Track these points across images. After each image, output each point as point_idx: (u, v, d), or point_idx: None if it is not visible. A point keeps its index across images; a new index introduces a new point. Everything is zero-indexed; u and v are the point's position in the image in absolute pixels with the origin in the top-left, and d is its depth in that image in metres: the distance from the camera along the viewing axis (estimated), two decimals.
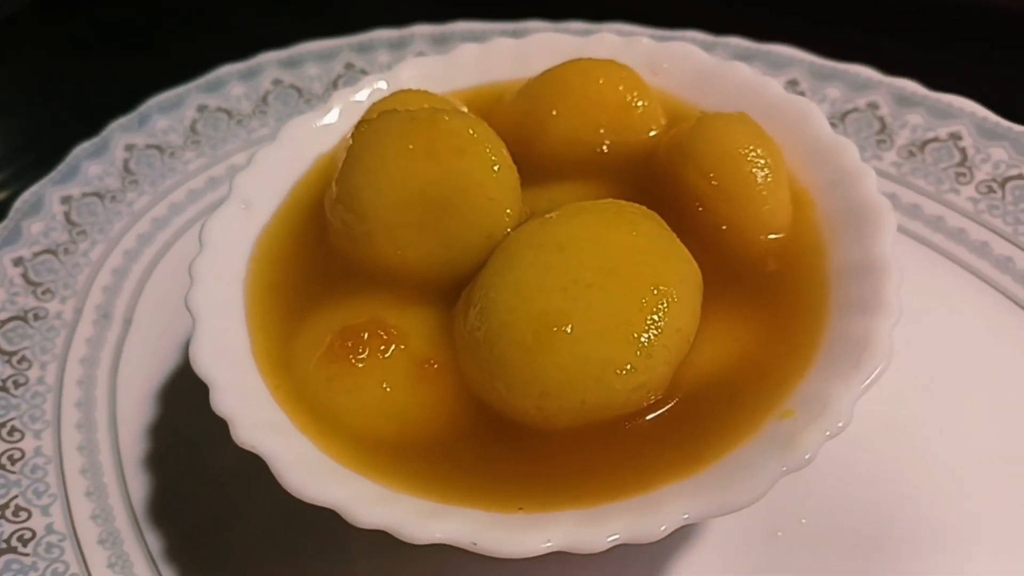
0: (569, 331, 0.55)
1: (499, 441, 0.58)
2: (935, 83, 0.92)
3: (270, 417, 0.58)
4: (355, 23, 1.13)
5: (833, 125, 0.90)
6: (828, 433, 0.51)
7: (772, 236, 0.66)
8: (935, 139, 0.88)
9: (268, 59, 1.10)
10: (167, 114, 1.05)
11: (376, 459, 0.58)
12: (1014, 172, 0.84)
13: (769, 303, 0.62)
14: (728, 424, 0.55)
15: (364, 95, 0.81)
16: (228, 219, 0.70)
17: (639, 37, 0.81)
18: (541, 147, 0.75)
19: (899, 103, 0.91)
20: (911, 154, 0.88)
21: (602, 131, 0.74)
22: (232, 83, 1.08)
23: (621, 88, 0.74)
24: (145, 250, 0.93)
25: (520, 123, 0.77)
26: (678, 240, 0.60)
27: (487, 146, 0.65)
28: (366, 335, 0.61)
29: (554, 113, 0.75)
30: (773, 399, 0.56)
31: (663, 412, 0.57)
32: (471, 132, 0.65)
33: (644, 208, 0.63)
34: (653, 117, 0.75)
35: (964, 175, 0.85)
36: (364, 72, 1.09)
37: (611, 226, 0.60)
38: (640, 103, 0.74)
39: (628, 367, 0.54)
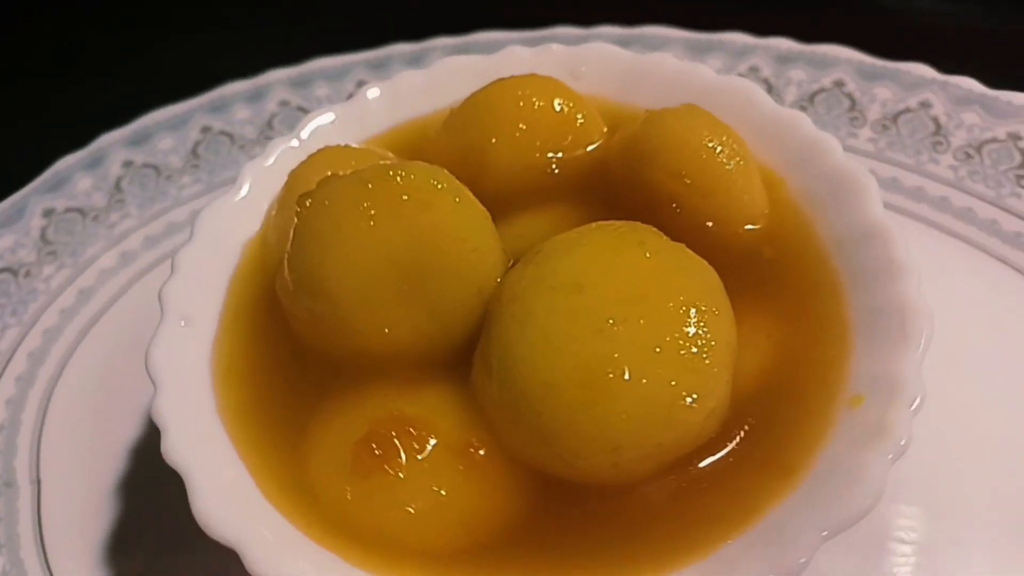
0: (622, 375, 0.50)
1: (574, 507, 0.53)
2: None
3: (319, 562, 0.50)
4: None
5: (802, 107, 0.92)
6: (913, 409, 0.50)
7: (755, 224, 0.65)
8: (906, 110, 0.89)
9: (198, 104, 1.02)
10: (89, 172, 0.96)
11: (455, 570, 0.51)
12: (988, 136, 0.85)
13: (781, 290, 0.61)
14: (802, 426, 0.53)
15: (273, 160, 0.72)
16: (172, 342, 0.59)
17: (548, 45, 0.78)
18: (488, 180, 0.70)
19: (864, 77, 0.92)
20: (885, 128, 0.89)
21: (547, 151, 0.70)
22: (160, 134, 1.00)
23: (555, 102, 0.70)
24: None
25: (459, 159, 0.71)
26: (688, 249, 0.58)
27: (454, 194, 0.60)
28: (394, 436, 0.54)
29: (493, 141, 0.70)
30: (833, 387, 0.55)
31: (731, 435, 0.54)
32: (433, 182, 0.59)
33: (638, 224, 0.59)
34: (595, 126, 0.72)
35: (941, 144, 0.86)
36: (302, 110, 1.02)
37: (620, 252, 0.56)
38: (579, 116, 0.71)
39: (695, 395, 0.51)
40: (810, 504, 0.49)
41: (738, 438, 0.54)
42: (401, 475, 0.53)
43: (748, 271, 0.63)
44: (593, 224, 0.60)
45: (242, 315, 0.64)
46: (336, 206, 0.58)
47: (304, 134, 0.73)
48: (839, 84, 0.92)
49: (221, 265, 0.66)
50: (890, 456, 0.48)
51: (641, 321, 0.52)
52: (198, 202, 0.96)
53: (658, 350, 0.51)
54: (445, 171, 0.60)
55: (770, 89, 0.93)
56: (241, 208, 0.68)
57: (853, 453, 0.50)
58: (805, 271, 0.62)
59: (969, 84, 0.89)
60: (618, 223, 0.59)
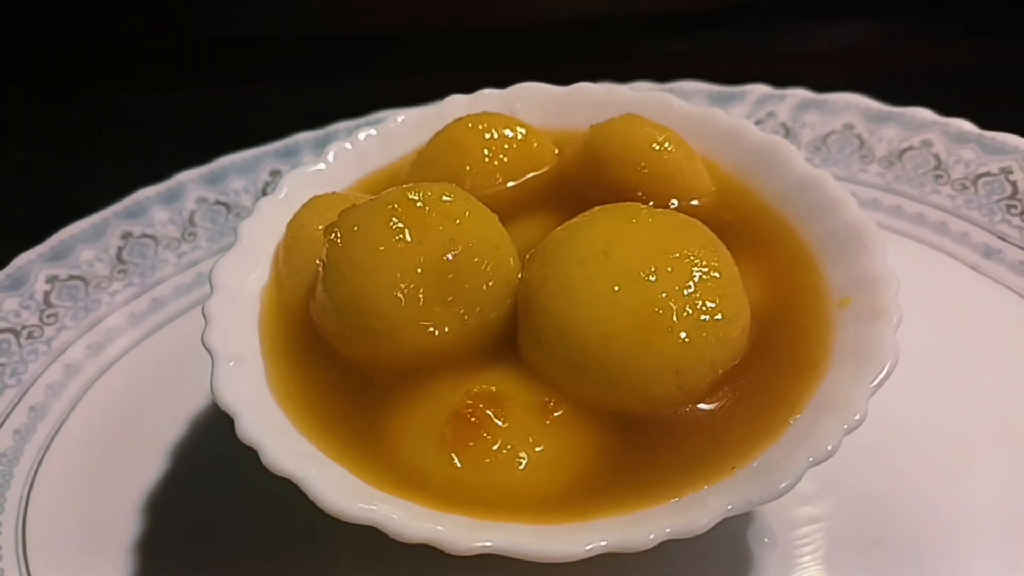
0: (670, 311, 0.59)
1: (654, 432, 0.60)
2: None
3: (457, 523, 0.53)
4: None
5: (816, 149, 1.06)
6: (895, 293, 0.62)
7: (707, 196, 0.77)
8: (910, 148, 1.03)
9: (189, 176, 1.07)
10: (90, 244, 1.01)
11: (574, 501, 0.56)
12: (983, 170, 1.00)
13: (748, 241, 0.72)
14: (810, 330, 0.64)
15: (264, 215, 0.74)
16: (232, 379, 0.60)
17: (482, 91, 0.87)
18: None
19: (871, 120, 1.06)
20: (891, 164, 1.03)
21: (513, 174, 0.79)
22: (153, 207, 1.05)
23: (512, 132, 0.80)
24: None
25: None
26: (677, 212, 0.68)
27: (469, 202, 0.67)
28: (480, 408, 0.58)
29: (468, 169, 0.78)
30: (819, 297, 0.66)
31: (758, 348, 0.64)
32: (448, 195, 0.66)
33: (630, 202, 0.69)
34: (548, 149, 0.82)
35: (941, 176, 1.01)
36: (221, 204, 1.07)
37: (628, 222, 0.65)
38: (534, 141, 0.81)
39: (731, 316, 0.60)
40: (845, 377, 0.59)
41: (762, 349, 0.63)
42: (500, 439, 0.57)
43: (717, 232, 0.74)
44: (592, 210, 0.69)
45: (282, 351, 0.65)
46: (367, 230, 0.63)
47: (283, 189, 0.77)
48: (848, 127, 1.08)
49: (246, 311, 0.67)
50: (892, 326, 0.60)
51: (669, 269, 0.61)
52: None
53: (692, 286, 0.60)
54: (454, 184, 0.68)
55: (787, 133, 1.08)
56: (246, 259, 0.70)
57: (861, 334, 0.61)
58: (760, 222, 0.74)
59: (959, 124, 1.03)
60: (614, 204, 0.69)
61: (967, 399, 0.80)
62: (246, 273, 0.70)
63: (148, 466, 0.82)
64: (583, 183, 0.78)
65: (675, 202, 0.75)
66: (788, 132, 1.08)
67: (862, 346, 0.60)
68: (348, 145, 0.82)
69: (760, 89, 1.12)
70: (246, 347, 0.64)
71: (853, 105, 1.09)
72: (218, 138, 1.12)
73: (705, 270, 0.62)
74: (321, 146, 1.11)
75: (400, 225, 0.63)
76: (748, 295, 0.66)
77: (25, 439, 0.83)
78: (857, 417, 0.55)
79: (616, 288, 0.60)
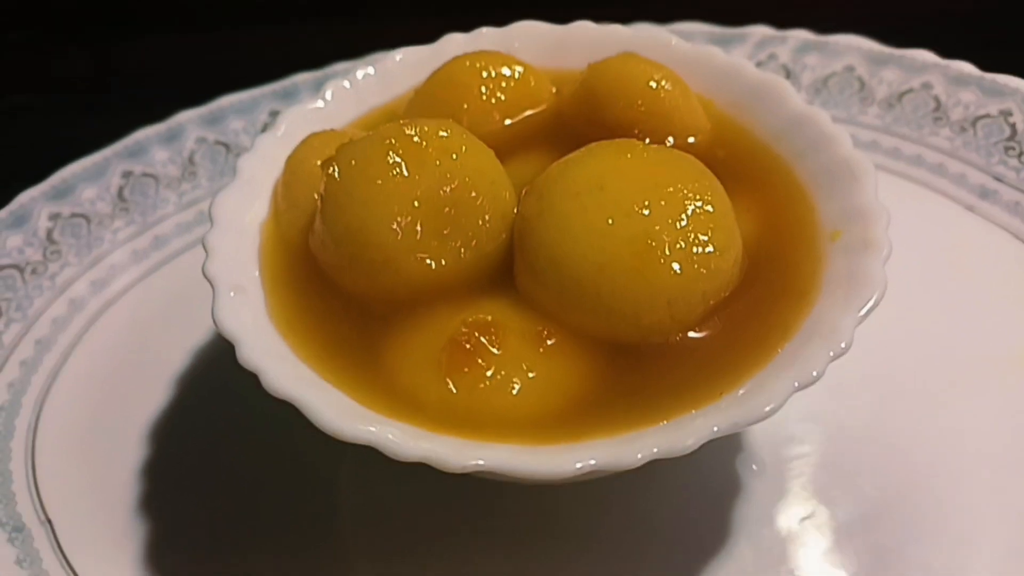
0: (663, 241, 0.60)
1: (645, 359, 0.61)
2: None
3: (454, 444, 0.55)
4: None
5: (816, 91, 1.06)
6: (885, 226, 0.63)
7: (702, 133, 0.78)
8: (909, 90, 1.03)
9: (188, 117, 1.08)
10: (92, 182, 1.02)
11: (567, 423, 0.58)
12: (982, 112, 0.99)
13: (741, 177, 0.72)
14: (801, 261, 0.65)
15: (263, 151, 0.74)
16: (232, 308, 0.62)
17: (480, 29, 0.87)
18: None
19: (872, 62, 1.06)
20: (890, 106, 1.03)
21: (510, 112, 0.79)
22: (153, 148, 1.05)
23: (510, 70, 0.80)
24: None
25: None
26: (672, 148, 0.69)
27: (466, 138, 0.67)
28: (477, 335, 0.60)
29: (465, 107, 0.78)
30: (810, 229, 0.67)
31: (750, 279, 0.65)
32: (444, 130, 0.67)
33: (626, 139, 0.70)
34: (545, 87, 0.82)
35: (940, 119, 1.01)
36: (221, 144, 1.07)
37: (622, 157, 0.65)
38: (531, 79, 0.81)
39: (723, 247, 0.61)
40: (834, 306, 0.60)
41: (753, 279, 0.65)
42: (494, 365, 0.59)
43: (711, 168, 0.75)
44: (588, 146, 0.70)
45: (281, 282, 0.67)
46: (364, 164, 0.64)
47: (281, 128, 0.77)
48: (849, 69, 1.07)
49: (246, 244, 0.68)
50: (881, 259, 0.61)
51: (663, 203, 0.62)
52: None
53: (684, 219, 0.61)
54: (450, 120, 0.68)
55: (788, 75, 1.08)
56: (246, 193, 0.71)
57: (850, 264, 0.62)
58: (754, 158, 0.75)
59: (959, 66, 1.03)
60: (608, 140, 0.70)
61: (956, 335, 0.82)
62: (246, 207, 0.71)
63: (153, 395, 0.84)
64: (580, 121, 0.79)
65: (671, 139, 0.76)
66: (789, 74, 1.08)
67: (851, 276, 0.61)
68: (346, 83, 0.82)
69: (761, 31, 1.12)
70: (247, 278, 0.65)
71: (854, 47, 1.09)
72: (218, 82, 1.12)
73: (698, 203, 0.62)
74: (320, 87, 1.11)
75: (397, 159, 0.64)
76: (741, 229, 0.67)
77: (32, 370, 0.85)
78: (843, 344, 0.56)
79: (610, 221, 0.61)
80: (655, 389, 0.59)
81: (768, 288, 0.64)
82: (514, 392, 0.58)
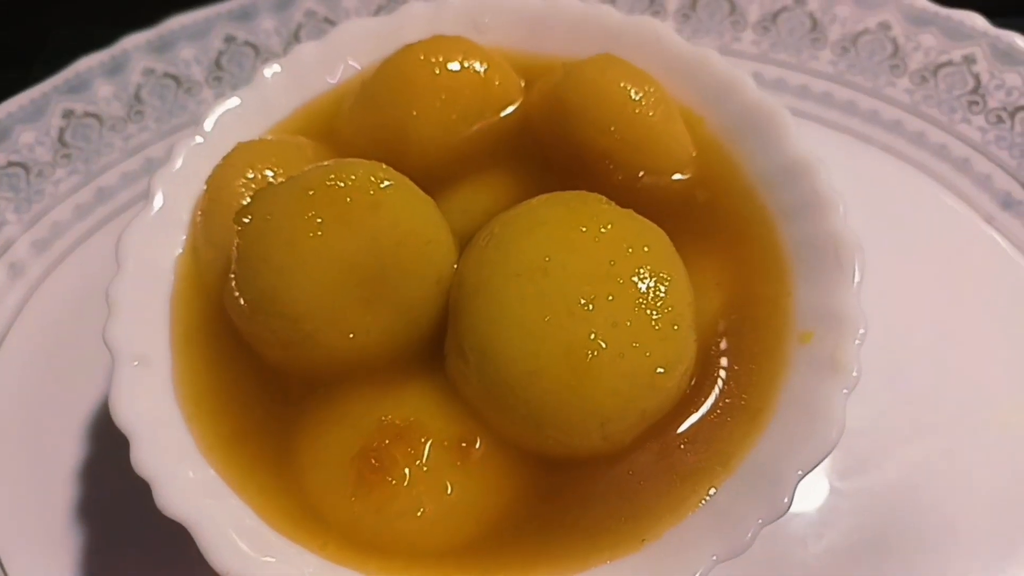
0: (604, 353, 0.53)
1: (568, 482, 0.57)
2: None
3: None
4: None
5: (765, 28, 0.93)
6: (858, 343, 0.56)
7: (684, 172, 0.67)
8: (865, 31, 0.92)
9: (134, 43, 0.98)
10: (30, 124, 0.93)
11: (476, 555, 0.54)
12: (944, 59, 0.89)
13: (718, 231, 0.65)
14: (760, 367, 0.58)
15: (181, 163, 0.67)
16: (133, 387, 0.57)
17: None
18: (414, 155, 0.68)
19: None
20: (844, 50, 0.91)
21: (469, 117, 0.69)
22: (97, 82, 0.96)
23: (470, 66, 0.69)
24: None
25: (379, 136, 0.69)
26: (636, 215, 0.60)
27: (400, 189, 0.59)
28: (388, 445, 0.55)
29: (414, 114, 0.68)
30: (781, 324, 0.59)
31: (699, 387, 0.59)
32: (374, 179, 0.58)
33: (585, 194, 0.61)
34: (513, 85, 0.71)
35: (898, 67, 0.89)
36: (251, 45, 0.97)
37: (575, 229, 0.57)
38: (496, 78, 0.69)
39: (669, 362, 0.55)
40: (781, 444, 0.54)
41: (705, 388, 0.58)
42: (404, 483, 0.54)
43: (685, 216, 0.65)
44: (541, 197, 0.61)
45: (194, 341, 0.61)
46: (281, 220, 0.56)
47: (207, 127, 0.68)
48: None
49: (157, 291, 0.62)
50: (845, 391, 0.54)
51: (610, 298, 0.54)
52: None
53: (630, 325, 0.54)
54: (384, 165, 0.59)
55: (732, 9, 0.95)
56: (161, 223, 0.64)
57: (811, 389, 0.55)
58: (737, 210, 0.65)
59: (924, 2, 0.93)
60: (565, 194, 0.60)
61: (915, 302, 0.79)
62: (159, 241, 0.64)
63: (100, 372, 0.81)
64: (548, 136, 0.69)
65: (642, 174, 0.66)
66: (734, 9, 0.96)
67: (810, 407, 0.55)
68: (280, 68, 0.72)
69: None
70: (153, 343, 0.60)
71: None
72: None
73: (655, 302, 0.55)
74: (281, 8, 0.99)
75: (316, 216, 0.56)
76: (704, 307, 0.60)
77: None
78: (781, 503, 0.51)
79: (548, 319, 0.54)
80: (576, 521, 0.55)
81: (717, 403, 0.57)
82: (423, 517, 0.54)
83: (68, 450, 0.77)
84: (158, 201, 0.64)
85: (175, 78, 0.95)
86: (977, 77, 0.89)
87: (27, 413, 0.79)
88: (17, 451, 0.77)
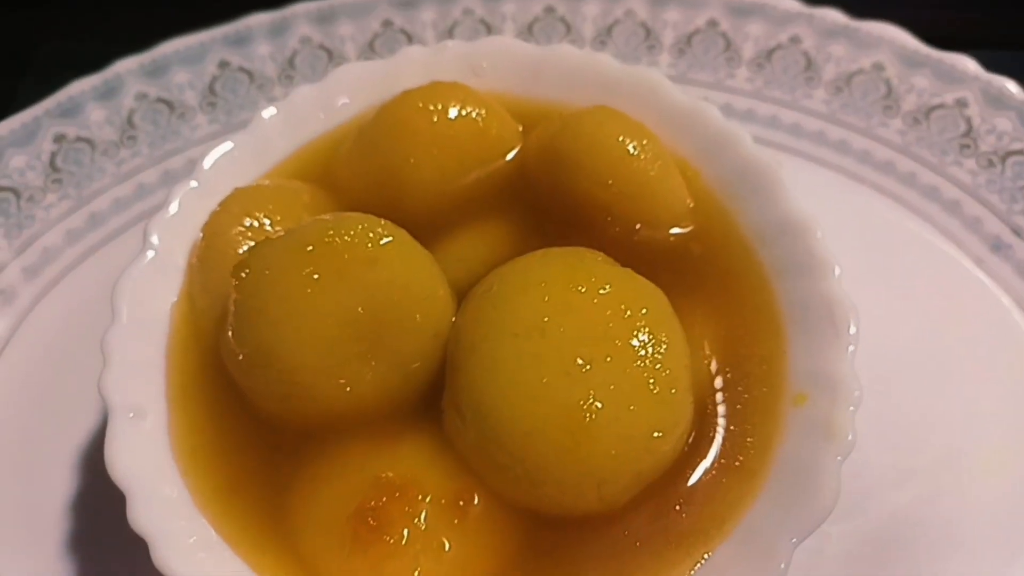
0: (601, 415, 0.53)
1: (564, 540, 0.57)
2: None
3: None
4: None
5: (759, 66, 0.94)
6: (852, 409, 0.56)
7: (682, 225, 0.68)
8: (859, 71, 0.92)
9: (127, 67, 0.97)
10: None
11: None
12: (936, 101, 0.90)
13: (714, 287, 0.65)
14: (755, 428, 0.59)
15: (177, 208, 0.67)
16: (128, 441, 0.57)
17: (445, 43, 0.74)
18: (410, 202, 0.69)
19: (823, 35, 0.94)
20: (838, 89, 0.92)
21: (466, 165, 0.69)
22: (89, 106, 0.95)
23: (468, 113, 0.69)
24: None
25: (375, 181, 0.69)
26: (633, 272, 0.60)
27: (398, 245, 0.59)
28: (384, 503, 0.55)
29: (412, 161, 0.68)
30: (777, 385, 0.60)
31: (695, 447, 0.59)
32: (373, 235, 0.58)
33: (583, 251, 0.61)
34: (511, 132, 0.71)
35: (891, 108, 0.90)
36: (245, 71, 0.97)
37: (574, 288, 0.57)
38: (494, 125, 0.70)
39: (667, 425, 0.55)
40: (776, 506, 0.55)
41: (700, 448, 0.59)
42: (402, 542, 0.55)
43: (681, 269, 0.66)
44: (538, 253, 0.61)
45: (189, 391, 0.61)
46: (278, 275, 0.57)
47: (204, 171, 0.68)
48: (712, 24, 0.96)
49: (153, 339, 0.62)
50: (839, 458, 0.54)
51: (608, 359, 0.55)
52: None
53: (628, 387, 0.54)
54: (383, 221, 0.59)
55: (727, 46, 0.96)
56: (156, 270, 0.64)
57: (806, 454, 0.56)
58: (733, 265, 0.66)
59: (916, 44, 0.93)
60: (563, 251, 0.61)
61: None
62: (154, 288, 0.64)
63: (91, 404, 0.80)
64: (545, 186, 0.69)
65: (639, 226, 0.66)
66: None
67: (804, 471, 0.55)
68: (276, 110, 0.71)
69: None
70: (149, 394, 0.60)
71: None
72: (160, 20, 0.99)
73: (653, 364, 0.55)
74: (277, 33, 0.98)
75: (313, 271, 0.56)
76: (699, 363, 0.61)
77: None
78: (782, 567, 0.52)
79: (545, 380, 0.54)
80: (579, 570, 0.56)
81: (713, 464, 0.58)
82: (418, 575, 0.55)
83: (57, 482, 0.76)
84: (153, 248, 0.64)
85: (168, 103, 0.94)
86: (969, 120, 0.90)
87: (15, 443, 0.78)
88: (4, 481, 0.77)
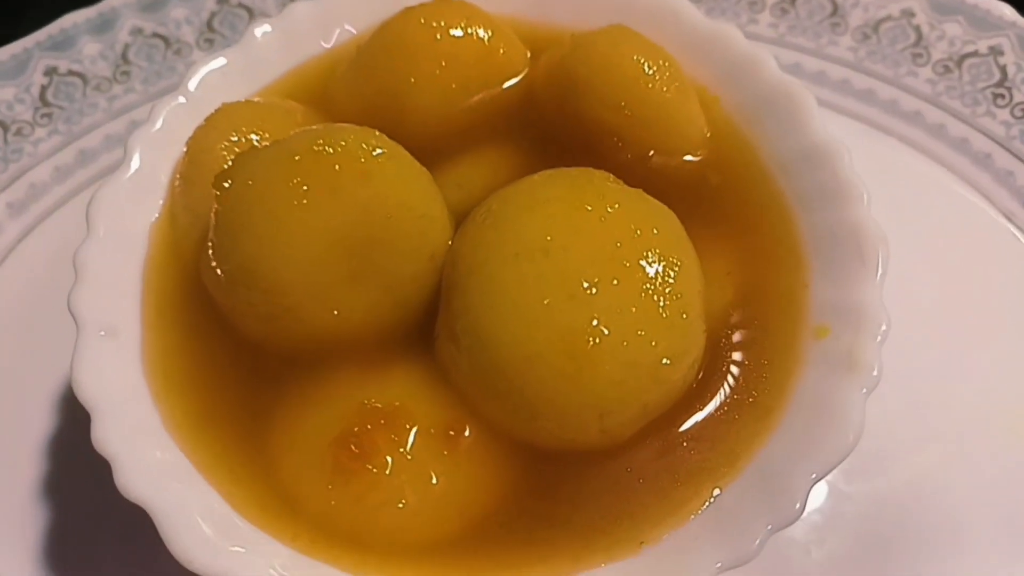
0: (606, 340, 0.49)
1: (562, 476, 0.53)
2: None
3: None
4: None
5: (783, 11, 0.89)
6: (878, 339, 0.52)
7: (696, 153, 0.63)
8: (888, 18, 0.88)
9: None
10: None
11: (459, 552, 0.50)
12: (970, 49, 0.85)
13: (732, 218, 0.61)
14: (772, 362, 0.54)
15: (161, 124, 0.63)
16: (98, 360, 0.53)
17: None
18: (411, 125, 0.64)
19: None
20: (865, 36, 0.87)
21: (470, 87, 0.65)
22: (83, 39, 0.90)
23: (474, 32, 0.64)
24: None
25: (374, 103, 0.65)
26: (646, 195, 0.56)
27: (393, 158, 0.55)
28: (370, 430, 0.51)
29: (412, 81, 0.64)
30: (796, 318, 0.56)
31: (705, 381, 0.55)
32: (367, 147, 0.54)
33: (591, 171, 0.57)
34: (518, 55, 0.67)
35: (920, 56, 0.85)
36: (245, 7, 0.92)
37: (580, 208, 0.53)
38: (501, 46, 0.65)
39: (676, 352, 0.51)
40: (793, 445, 0.50)
41: (712, 384, 0.54)
42: (386, 471, 0.51)
43: (696, 200, 0.62)
44: (544, 173, 0.57)
45: (167, 312, 0.58)
46: (264, 187, 0.52)
47: (191, 87, 0.64)
48: None
49: (129, 258, 0.58)
50: (864, 391, 0.50)
51: (615, 282, 0.50)
52: None
53: (635, 311, 0.50)
54: (377, 132, 0.55)
55: None
56: (137, 186, 0.60)
57: (827, 388, 0.51)
58: (752, 195, 0.61)
59: None
60: (570, 171, 0.57)
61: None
62: (134, 205, 0.60)
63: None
64: (553, 111, 0.64)
65: (653, 153, 0.62)
66: None
67: (824, 406, 0.51)
68: (271, 27, 0.67)
69: None
70: (122, 312, 0.56)
71: None
72: None
73: (663, 287, 0.51)
74: None
75: (301, 183, 0.52)
76: (714, 299, 0.56)
77: None
78: (790, 513, 0.47)
79: (547, 301, 0.50)
80: (569, 517, 0.51)
81: (725, 399, 0.54)
82: (405, 510, 0.50)
83: (36, 422, 0.73)
84: (134, 163, 0.60)
85: (164, 39, 0.90)
86: (1004, 69, 0.85)
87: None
88: None
